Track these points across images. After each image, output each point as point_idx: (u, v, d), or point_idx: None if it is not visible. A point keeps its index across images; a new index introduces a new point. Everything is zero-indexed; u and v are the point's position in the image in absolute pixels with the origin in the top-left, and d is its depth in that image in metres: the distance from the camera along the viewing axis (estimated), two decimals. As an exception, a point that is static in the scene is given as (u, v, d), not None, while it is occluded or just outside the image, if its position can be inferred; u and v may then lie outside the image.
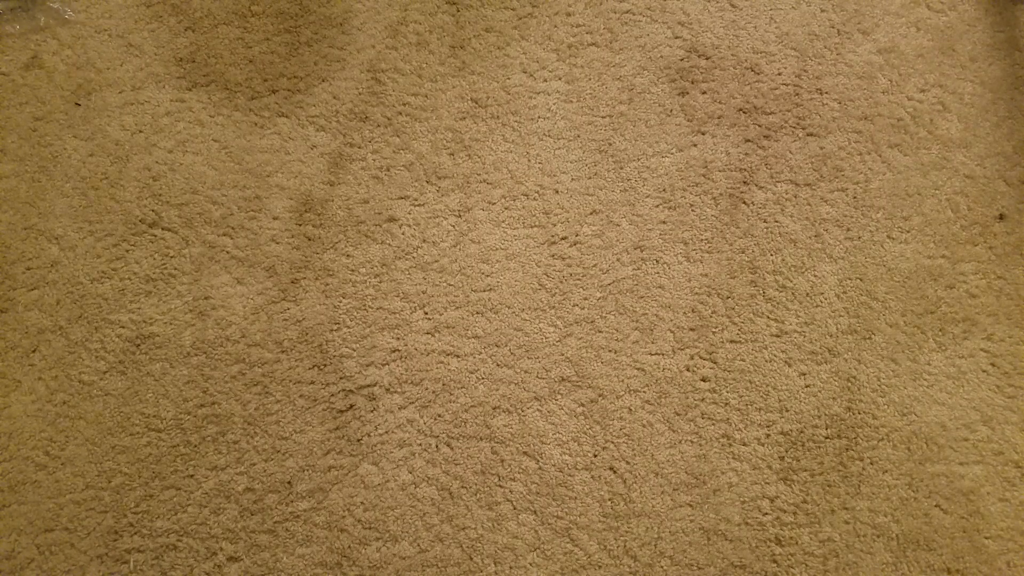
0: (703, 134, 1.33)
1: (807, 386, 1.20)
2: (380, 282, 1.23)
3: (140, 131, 1.30)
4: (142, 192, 1.26)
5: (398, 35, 1.38)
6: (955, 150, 1.33)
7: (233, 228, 1.25)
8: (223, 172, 1.28)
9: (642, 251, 1.26)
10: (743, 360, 1.21)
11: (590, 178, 1.30)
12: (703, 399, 1.18)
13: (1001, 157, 1.33)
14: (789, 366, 1.20)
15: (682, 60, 1.38)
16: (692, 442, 1.16)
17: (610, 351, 1.20)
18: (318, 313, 1.21)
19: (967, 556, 1.13)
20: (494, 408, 1.17)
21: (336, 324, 1.20)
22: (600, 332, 1.21)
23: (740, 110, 1.35)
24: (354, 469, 1.14)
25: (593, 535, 1.12)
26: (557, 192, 1.29)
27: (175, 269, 1.22)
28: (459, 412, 1.17)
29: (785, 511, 1.14)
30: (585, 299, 1.23)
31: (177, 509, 1.11)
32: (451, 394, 1.18)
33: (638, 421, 1.17)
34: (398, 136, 1.31)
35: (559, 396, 1.18)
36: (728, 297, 1.24)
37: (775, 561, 1.11)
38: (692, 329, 1.22)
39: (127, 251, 1.23)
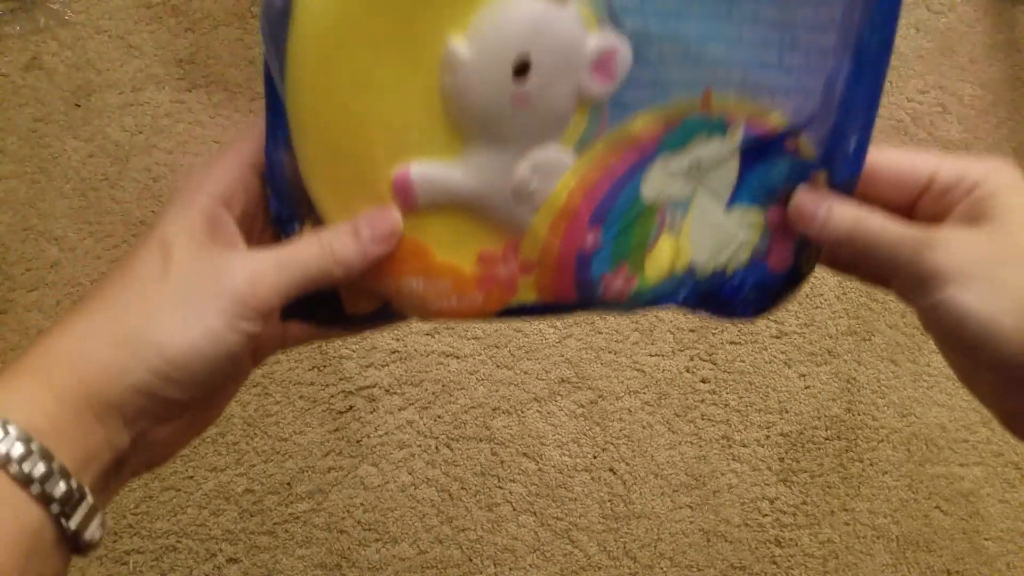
0: (703, 135, 1.33)
1: (807, 387, 1.20)
2: (380, 283, 1.23)
3: (140, 132, 1.30)
4: (142, 193, 1.26)
5: (398, 36, 1.38)
6: (955, 151, 1.33)
7: (233, 229, 1.25)
8: (223, 173, 1.28)
9: (642, 252, 1.26)
10: (743, 361, 1.21)
11: (590, 179, 1.30)
12: (703, 400, 1.18)
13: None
14: (789, 367, 1.20)
15: (682, 61, 1.38)
16: (692, 443, 1.16)
17: (610, 352, 1.20)
18: (318, 314, 1.21)
19: (967, 557, 1.12)
20: (494, 409, 1.17)
21: (336, 325, 1.20)
22: (600, 333, 1.21)
23: (740, 111, 1.35)
24: (354, 470, 1.13)
25: (593, 536, 1.12)
26: (557, 193, 1.29)
27: (175, 270, 1.22)
28: (459, 413, 1.17)
29: (785, 512, 1.14)
30: (585, 300, 1.23)
31: (176, 510, 1.11)
32: (451, 395, 1.18)
33: (638, 422, 1.17)
34: (398, 137, 1.31)
35: (559, 397, 1.18)
36: (728, 298, 1.24)
37: (775, 562, 1.11)
38: (692, 330, 1.22)
39: (127, 252, 1.23)
